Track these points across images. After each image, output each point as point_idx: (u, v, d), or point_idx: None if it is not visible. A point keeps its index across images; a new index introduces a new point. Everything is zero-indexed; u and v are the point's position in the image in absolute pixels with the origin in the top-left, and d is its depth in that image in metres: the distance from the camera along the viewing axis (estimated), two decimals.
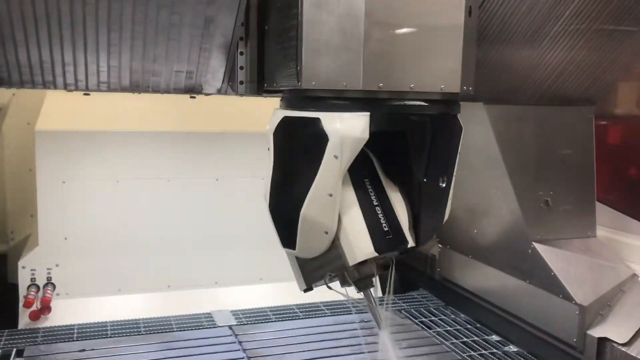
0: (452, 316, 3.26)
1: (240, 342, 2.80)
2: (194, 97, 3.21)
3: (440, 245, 3.49)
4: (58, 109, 3.25)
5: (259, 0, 2.19)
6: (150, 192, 3.26)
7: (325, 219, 1.89)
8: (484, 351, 2.80)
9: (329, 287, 2.14)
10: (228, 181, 3.38)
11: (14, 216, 3.67)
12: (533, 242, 2.68)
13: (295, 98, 1.94)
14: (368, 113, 1.80)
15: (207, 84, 2.34)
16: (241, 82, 2.30)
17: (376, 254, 1.95)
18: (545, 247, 2.67)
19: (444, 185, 2.06)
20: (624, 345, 2.31)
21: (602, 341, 2.39)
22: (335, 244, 1.94)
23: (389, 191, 2.05)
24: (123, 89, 2.27)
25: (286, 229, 1.99)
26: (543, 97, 2.65)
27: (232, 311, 3.21)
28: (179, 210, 3.31)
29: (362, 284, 2.07)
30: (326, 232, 1.90)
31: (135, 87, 2.28)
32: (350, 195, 1.94)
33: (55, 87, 2.21)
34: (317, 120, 1.81)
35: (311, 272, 2.07)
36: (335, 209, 1.88)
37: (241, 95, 2.34)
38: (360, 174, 2.00)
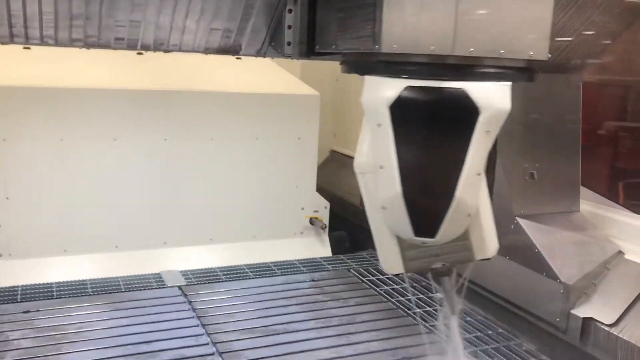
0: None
1: (190, 302, 2.81)
2: (141, 54, 3.15)
3: None
4: (2, 65, 3.12)
5: None
6: (97, 151, 3.18)
7: (473, 200, 1.74)
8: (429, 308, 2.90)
9: (430, 278, 2.09)
10: (177, 141, 3.33)
11: None
12: (517, 217, 2.58)
13: (423, 65, 1.65)
14: (509, 83, 1.64)
15: (246, 44, 2.18)
16: (288, 43, 2.15)
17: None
18: (529, 222, 2.57)
19: None
20: (610, 326, 2.25)
21: (587, 321, 2.33)
22: (465, 233, 1.81)
23: None
24: (143, 47, 2.09)
25: (426, 216, 1.76)
26: None
27: (181, 271, 3.21)
28: (126, 170, 3.25)
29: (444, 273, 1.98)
30: (469, 215, 1.75)
31: (159, 46, 2.10)
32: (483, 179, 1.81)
33: (57, 44, 2.01)
34: (462, 91, 1.59)
35: (417, 259, 1.89)
36: (479, 189, 1.74)
37: (287, 57, 2.20)
38: None
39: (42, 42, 2.02)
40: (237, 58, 3.45)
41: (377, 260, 3.59)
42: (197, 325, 2.58)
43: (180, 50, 2.14)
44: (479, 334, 2.63)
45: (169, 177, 3.35)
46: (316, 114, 3.64)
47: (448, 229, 1.75)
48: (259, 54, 2.21)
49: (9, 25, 1.97)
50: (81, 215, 3.19)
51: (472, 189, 1.71)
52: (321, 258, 3.57)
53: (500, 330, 2.67)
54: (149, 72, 3.45)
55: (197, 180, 3.39)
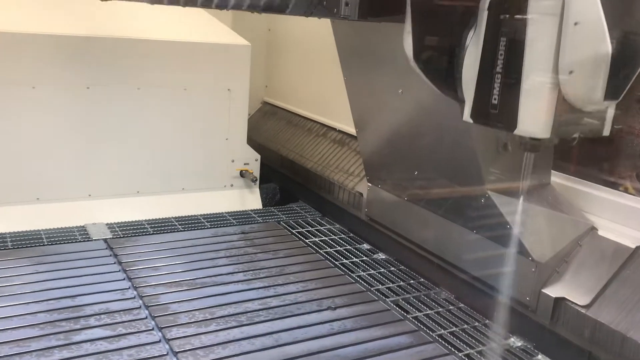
0: (328, 226, 3.42)
1: (115, 256, 2.78)
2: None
3: (369, 184, 3.21)
4: None
5: None
6: (14, 98, 3.02)
7: None
8: (355, 259, 3.00)
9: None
10: (101, 90, 3.20)
11: None
12: (488, 190, 2.41)
13: None
14: None
15: (295, 2, 2.06)
16: (347, 4, 2.08)
17: None
18: (500, 196, 2.40)
19: None
20: (584, 307, 2.14)
21: (559, 301, 2.21)
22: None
23: None
24: (171, 1, 1.97)
25: (621, 77, 1.73)
26: None
27: (107, 224, 3.15)
28: (46, 119, 3.10)
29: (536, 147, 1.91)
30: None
31: (207, 2, 2.00)
32: None
33: None
34: None
35: (564, 125, 1.81)
36: None
37: (343, 18, 2.11)
38: None
39: None
40: None
41: (306, 212, 3.71)
42: (123, 279, 2.56)
43: (232, 7, 2.03)
44: (440, 310, 2.55)
45: (93, 127, 3.22)
46: (247, 65, 3.57)
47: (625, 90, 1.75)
48: (306, 13, 2.11)
49: None
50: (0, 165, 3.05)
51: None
52: (251, 210, 3.59)
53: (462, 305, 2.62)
54: (73, 17, 3.26)
55: (123, 130, 3.28)
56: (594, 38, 1.63)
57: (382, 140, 3.03)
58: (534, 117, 1.80)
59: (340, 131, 3.76)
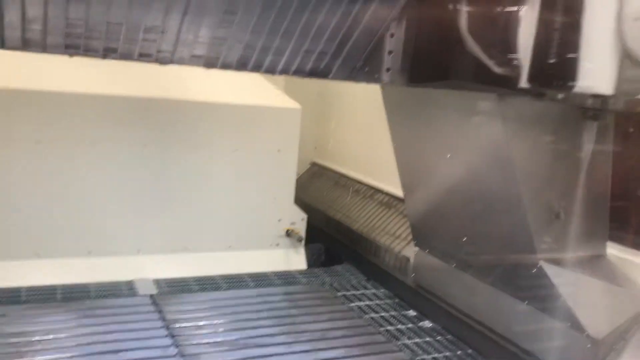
0: (373, 290, 3.35)
1: (160, 312, 2.78)
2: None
3: (416, 248, 3.17)
4: None
5: None
6: (72, 155, 3.15)
7: None
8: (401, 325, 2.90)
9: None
10: (156, 149, 3.31)
11: None
12: (540, 260, 2.31)
13: None
14: None
15: (338, 67, 2.04)
16: (387, 69, 2.05)
17: None
18: (553, 266, 2.30)
19: None
20: None
21: None
22: None
23: None
24: (224, 66, 1.97)
25: None
26: None
27: (154, 280, 3.18)
28: (101, 174, 3.22)
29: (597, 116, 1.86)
30: None
31: (241, 66, 1.97)
32: None
33: (131, 58, 1.88)
34: None
35: (631, 81, 1.69)
36: None
37: (385, 84, 2.10)
38: None
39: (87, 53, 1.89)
40: None
41: (351, 275, 3.66)
42: (166, 336, 2.55)
43: (265, 71, 2.04)
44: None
45: (146, 185, 3.32)
46: (296, 127, 3.64)
47: None
48: (350, 78, 2.10)
49: (22, 29, 1.80)
50: (54, 219, 3.14)
51: None
52: (296, 271, 3.57)
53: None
54: (131, 79, 3.43)
55: (175, 188, 3.36)
56: None
57: (430, 204, 2.99)
58: (597, 71, 1.64)
59: (387, 193, 3.74)
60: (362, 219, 3.77)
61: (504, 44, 1.77)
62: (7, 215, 3.07)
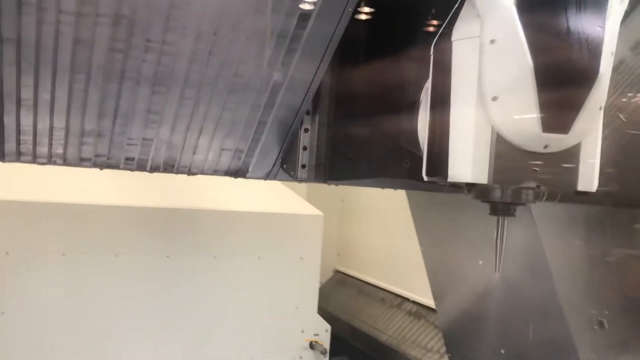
0: None
1: None
2: None
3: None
4: (10, 178, 3.16)
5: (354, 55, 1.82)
6: (99, 266, 3.13)
7: (606, 85, 1.46)
8: None
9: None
10: (177, 258, 3.27)
11: None
12: None
13: None
14: None
15: (255, 165, 1.99)
16: (303, 166, 1.98)
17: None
18: None
19: None
20: None
21: None
22: (573, 147, 1.49)
23: None
24: (153, 169, 1.97)
25: (560, 102, 1.45)
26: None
27: None
28: (124, 285, 3.17)
29: (504, 210, 1.63)
30: (600, 109, 1.46)
31: (168, 167, 1.96)
32: None
33: (65, 163, 1.90)
34: None
35: (509, 169, 1.52)
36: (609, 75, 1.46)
37: (300, 181, 2.03)
38: None
39: (50, 161, 1.93)
40: None
41: None
42: None
43: (190, 172, 2.01)
44: None
45: (168, 294, 3.26)
46: (319, 234, 3.59)
47: (584, 122, 1.42)
48: (269, 176, 2.03)
49: (17, 142, 1.87)
50: (80, 329, 3.07)
51: (608, 71, 1.45)
52: None
53: None
54: (152, 189, 3.46)
55: (198, 297, 3.29)
56: (513, 56, 1.38)
57: (464, 314, 2.84)
58: (464, 158, 1.52)
59: (416, 302, 3.60)
60: (390, 330, 3.60)
61: (409, 139, 1.74)
62: (31, 323, 3.00)
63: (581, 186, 1.52)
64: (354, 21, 1.71)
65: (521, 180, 1.49)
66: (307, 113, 1.93)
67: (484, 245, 2.20)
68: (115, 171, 2.74)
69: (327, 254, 3.85)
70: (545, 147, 1.45)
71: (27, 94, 1.70)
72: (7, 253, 2.99)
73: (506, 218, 1.65)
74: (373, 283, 4.10)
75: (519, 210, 2.03)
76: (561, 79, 1.41)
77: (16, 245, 3.00)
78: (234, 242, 3.39)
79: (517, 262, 1.85)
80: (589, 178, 1.53)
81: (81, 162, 1.92)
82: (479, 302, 2.67)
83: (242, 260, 3.40)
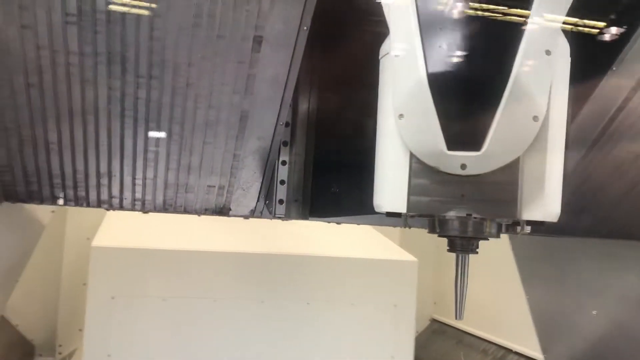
0: None
1: None
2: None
3: None
4: (116, 226, 3.35)
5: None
6: (198, 311, 3.22)
7: (540, 92, 1.28)
8: None
9: (406, 225, 1.49)
10: (271, 303, 3.30)
11: (64, 329, 3.70)
12: None
13: None
14: None
15: (237, 202, 1.89)
16: (280, 201, 1.86)
17: (556, 219, 1.37)
18: None
19: None
20: None
21: None
22: (511, 168, 1.31)
23: None
24: (157, 209, 1.97)
25: (463, 112, 1.33)
26: None
27: None
28: (225, 330, 3.23)
29: (463, 246, 1.50)
30: (535, 119, 1.30)
31: (168, 207, 1.95)
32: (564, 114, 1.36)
33: (88, 205, 1.94)
34: None
35: (429, 195, 1.38)
36: (550, 81, 1.29)
37: (278, 218, 1.92)
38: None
39: (66, 203, 1.94)
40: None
41: None
42: None
43: (185, 211, 1.96)
44: None
45: (263, 340, 3.28)
46: (414, 281, 3.50)
47: (502, 137, 1.24)
48: (254, 214, 1.91)
49: (50, 185, 1.89)
50: None
51: (537, 73, 1.25)
52: None
53: None
54: (247, 234, 3.55)
55: (290, 343, 3.28)
56: (410, 69, 1.27)
57: None
58: (384, 184, 1.40)
59: (521, 355, 3.38)
60: None
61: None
62: None
63: (526, 215, 1.32)
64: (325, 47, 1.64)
65: (445, 208, 1.34)
66: (285, 144, 1.82)
67: (598, 293, 2.04)
68: (210, 218, 2.87)
69: (422, 301, 3.73)
70: (463, 167, 1.31)
71: (53, 137, 1.75)
72: (113, 298, 3.14)
73: (467, 256, 1.52)
74: (473, 333, 3.90)
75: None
76: (459, 90, 1.29)
77: (121, 290, 3.14)
78: (327, 288, 3.37)
79: (634, 307, 1.68)
80: (536, 205, 1.31)
81: (101, 204, 1.94)
82: (594, 356, 2.48)
83: (335, 306, 3.37)
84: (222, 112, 1.70)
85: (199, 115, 1.72)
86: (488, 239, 1.45)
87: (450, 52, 1.32)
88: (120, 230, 3.34)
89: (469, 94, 1.31)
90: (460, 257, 1.52)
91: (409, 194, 1.37)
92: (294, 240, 3.60)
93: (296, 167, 1.84)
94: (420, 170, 1.35)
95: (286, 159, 1.84)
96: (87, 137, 1.76)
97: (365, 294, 3.43)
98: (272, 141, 1.74)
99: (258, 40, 1.56)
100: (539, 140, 1.29)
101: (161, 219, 3.43)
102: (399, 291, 3.49)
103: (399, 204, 1.39)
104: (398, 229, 4.08)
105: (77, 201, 1.90)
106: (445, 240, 1.55)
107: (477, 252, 1.49)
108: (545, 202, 1.32)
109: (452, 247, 1.50)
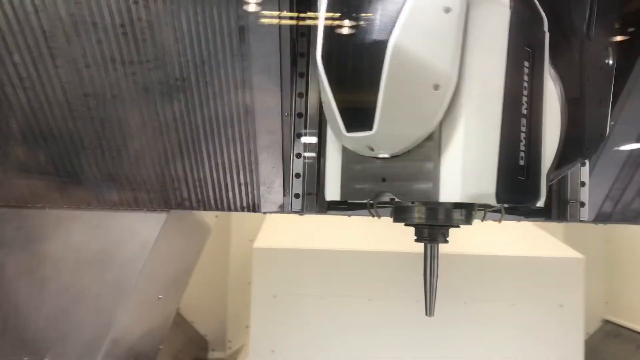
0: None
1: None
2: None
3: None
4: (275, 228, 3.54)
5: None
6: (353, 310, 3.29)
7: (437, 57, 1.13)
8: None
9: (373, 214, 1.47)
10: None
11: (233, 326, 3.98)
12: None
13: None
14: None
15: (264, 199, 1.85)
16: (296, 195, 1.79)
17: (493, 200, 1.21)
18: None
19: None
20: None
21: None
22: (429, 146, 1.18)
23: (545, 94, 1.27)
24: (207, 207, 1.96)
25: (350, 88, 1.23)
26: None
27: None
28: (379, 327, 3.26)
29: (430, 235, 1.43)
30: (437, 87, 1.14)
31: (219, 204, 1.95)
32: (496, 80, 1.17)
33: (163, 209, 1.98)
34: None
35: (357, 181, 1.34)
36: (455, 43, 1.13)
37: (296, 213, 1.84)
38: (522, 45, 1.21)
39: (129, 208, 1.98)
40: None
41: None
42: None
43: (229, 209, 1.93)
44: None
45: (421, 340, 3.25)
46: (580, 279, 3.25)
47: (393, 111, 1.14)
48: (283, 210, 1.84)
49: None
50: None
51: (429, 35, 1.10)
52: None
53: None
54: (401, 234, 3.54)
55: (448, 345, 3.22)
56: (313, 52, 1.23)
57: None
58: (326, 176, 1.36)
59: None
60: None
61: None
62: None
63: (444, 196, 1.17)
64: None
65: (371, 193, 1.27)
66: (298, 136, 1.75)
67: None
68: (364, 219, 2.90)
69: (592, 301, 3.45)
70: (371, 149, 1.22)
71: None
72: (275, 296, 3.31)
73: (436, 246, 1.41)
74: None
75: None
76: (346, 65, 1.19)
77: (282, 289, 3.30)
78: (486, 288, 3.26)
79: None
80: (454, 185, 1.14)
81: (179, 206, 1.97)
82: None
83: (496, 307, 3.24)
84: (233, 107, 1.74)
85: (220, 113, 1.76)
86: (459, 226, 1.39)
87: (337, 24, 1.26)
88: (279, 232, 3.52)
89: (354, 68, 1.21)
90: (428, 248, 1.44)
91: (341, 180, 1.35)
92: (450, 238, 3.52)
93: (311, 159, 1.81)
94: (348, 156, 1.32)
95: (300, 151, 1.79)
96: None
97: (528, 294, 3.26)
98: (282, 133, 1.75)
99: (243, 30, 1.60)
100: (453, 111, 1.14)
101: (315, 221, 3.57)
102: (565, 290, 3.27)
103: (336, 192, 1.37)
104: (562, 225, 3.83)
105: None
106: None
107: (447, 241, 1.43)
108: (465, 182, 1.16)
109: (419, 237, 1.44)
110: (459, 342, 3.23)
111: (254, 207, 1.89)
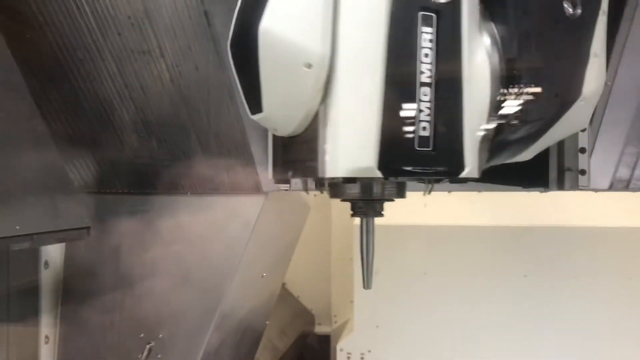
0: None
1: None
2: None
3: None
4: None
5: None
6: (458, 285, 3.26)
7: (306, 36, 1.13)
8: None
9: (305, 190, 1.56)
10: (535, 278, 3.16)
11: (338, 300, 4.08)
12: None
13: None
14: None
15: (266, 178, 1.85)
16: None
17: (378, 174, 1.18)
18: None
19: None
20: None
21: None
22: (316, 124, 1.20)
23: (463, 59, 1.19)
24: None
25: (248, 77, 1.25)
26: None
27: None
28: (484, 303, 3.23)
29: (363, 209, 1.39)
30: (309, 66, 1.13)
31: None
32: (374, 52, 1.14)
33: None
34: None
35: (280, 164, 1.43)
36: (323, 20, 1.12)
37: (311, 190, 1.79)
38: (413, 11, 1.16)
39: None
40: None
41: None
42: None
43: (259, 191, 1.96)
44: None
45: (526, 315, 3.19)
46: None
47: (273, 92, 1.17)
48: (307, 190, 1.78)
49: None
50: (444, 350, 3.26)
51: (296, 15, 1.10)
52: None
53: None
54: (505, 207, 3.43)
55: (555, 318, 3.15)
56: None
57: None
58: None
59: None
60: None
61: None
62: (400, 344, 3.32)
63: (329, 172, 1.17)
64: None
65: (288, 173, 1.37)
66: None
67: None
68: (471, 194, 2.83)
69: None
70: (275, 131, 1.31)
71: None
72: (377, 272, 3.34)
73: (371, 219, 1.39)
74: None
75: None
76: (244, 50, 1.23)
77: (384, 265, 3.29)
78: (597, 261, 3.09)
79: None
80: (336, 161, 1.15)
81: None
82: None
83: (607, 280, 3.07)
84: (212, 89, 1.77)
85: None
86: (393, 200, 1.36)
87: (240, 15, 1.29)
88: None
89: (243, 55, 1.24)
90: (363, 221, 1.40)
91: (272, 160, 1.46)
92: (556, 210, 3.36)
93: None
94: (276, 137, 1.40)
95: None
96: None
97: None
98: None
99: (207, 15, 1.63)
100: (330, 88, 1.14)
101: (417, 197, 3.53)
102: None
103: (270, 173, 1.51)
104: None
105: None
106: None
107: (382, 215, 1.38)
108: (345, 157, 1.17)
109: (354, 211, 1.40)
110: (568, 317, 3.12)
111: (257, 187, 1.94)
